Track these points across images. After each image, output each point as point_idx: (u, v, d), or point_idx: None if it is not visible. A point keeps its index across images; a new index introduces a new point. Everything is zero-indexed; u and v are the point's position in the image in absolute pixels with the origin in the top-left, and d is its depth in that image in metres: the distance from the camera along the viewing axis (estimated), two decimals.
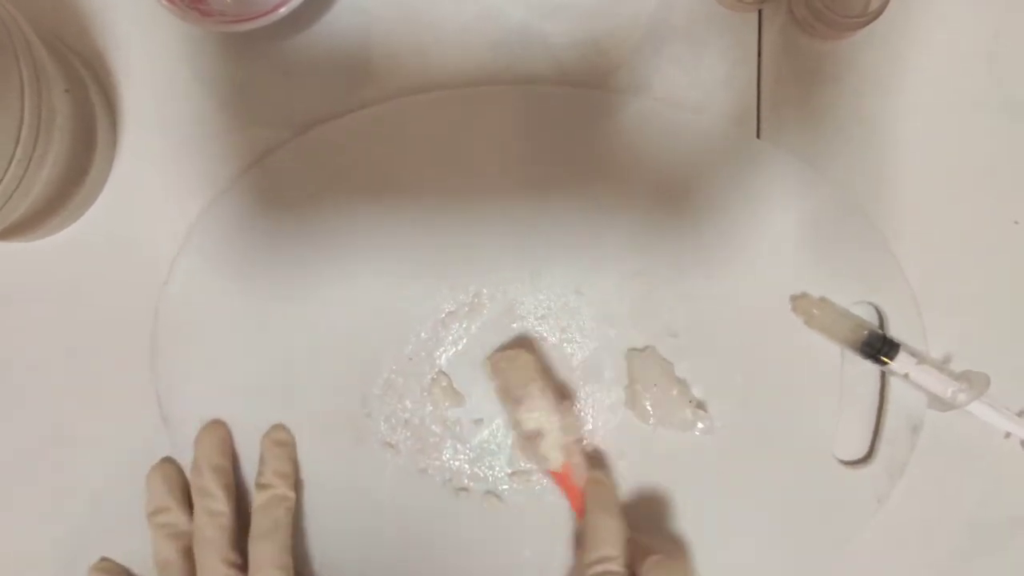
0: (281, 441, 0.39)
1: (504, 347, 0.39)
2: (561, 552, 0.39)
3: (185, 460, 0.39)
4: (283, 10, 0.36)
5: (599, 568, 0.34)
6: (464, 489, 0.39)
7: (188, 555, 0.37)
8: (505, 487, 0.39)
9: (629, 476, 0.39)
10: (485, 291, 0.39)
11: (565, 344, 0.39)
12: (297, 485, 0.39)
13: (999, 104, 0.41)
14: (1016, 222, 0.41)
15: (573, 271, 0.39)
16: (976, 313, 0.40)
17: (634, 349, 0.39)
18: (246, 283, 0.39)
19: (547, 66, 0.40)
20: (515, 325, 0.39)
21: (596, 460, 0.39)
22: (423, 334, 0.39)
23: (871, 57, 0.41)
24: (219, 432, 0.39)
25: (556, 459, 0.37)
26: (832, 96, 0.40)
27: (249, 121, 0.40)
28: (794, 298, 0.39)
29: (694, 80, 0.40)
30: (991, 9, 0.41)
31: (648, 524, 0.39)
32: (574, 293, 0.39)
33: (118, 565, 0.40)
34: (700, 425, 0.39)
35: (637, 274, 0.39)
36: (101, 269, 0.40)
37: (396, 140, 0.39)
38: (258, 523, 0.37)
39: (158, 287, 0.40)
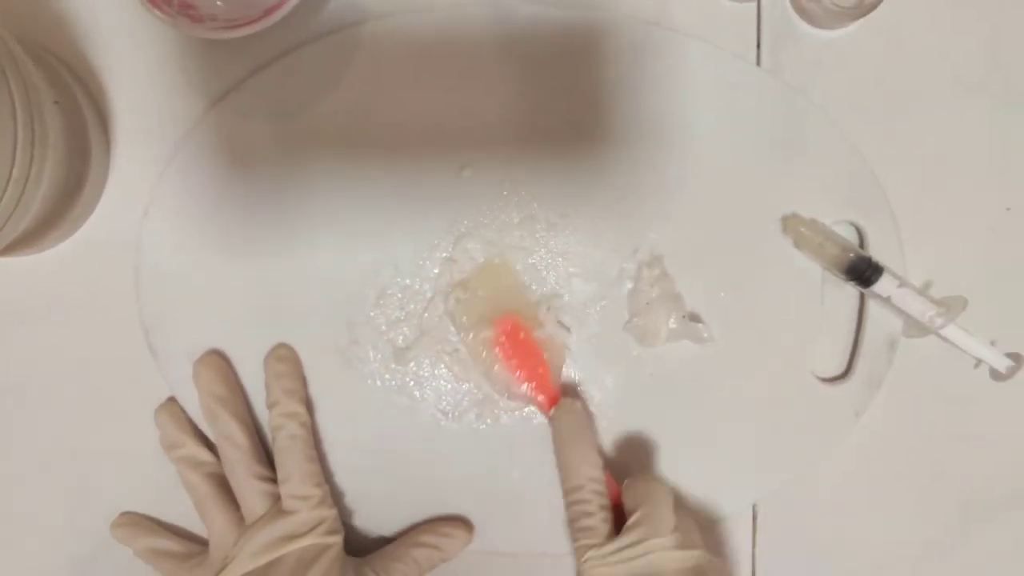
0: (282, 357, 0.39)
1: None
2: (549, 472, 0.39)
3: (178, 393, 0.39)
4: (276, 15, 0.35)
5: (575, 496, 0.35)
6: (453, 413, 0.40)
7: (214, 479, 0.38)
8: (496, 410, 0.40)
9: (613, 392, 0.40)
10: (465, 222, 0.40)
11: (550, 266, 0.40)
12: (308, 402, 0.39)
13: (997, 93, 0.41)
14: (1008, 208, 0.41)
15: (560, 194, 0.40)
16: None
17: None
18: (226, 214, 0.39)
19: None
20: (495, 251, 0.40)
21: (567, 388, 0.40)
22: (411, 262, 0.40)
23: (871, 46, 0.40)
24: (214, 362, 0.39)
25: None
26: (832, 86, 0.40)
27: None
28: (784, 218, 0.40)
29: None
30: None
31: (628, 441, 0.40)
32: (559, 216, 0.40)
33: (139, 516, 0.40)
34: (704, 336, 0.39)
35: (622, 197, 0.40)
36: (107, 276, 0.40)
37: (374, 65, 0.39)
38: (276, 441, 0.38)
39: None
